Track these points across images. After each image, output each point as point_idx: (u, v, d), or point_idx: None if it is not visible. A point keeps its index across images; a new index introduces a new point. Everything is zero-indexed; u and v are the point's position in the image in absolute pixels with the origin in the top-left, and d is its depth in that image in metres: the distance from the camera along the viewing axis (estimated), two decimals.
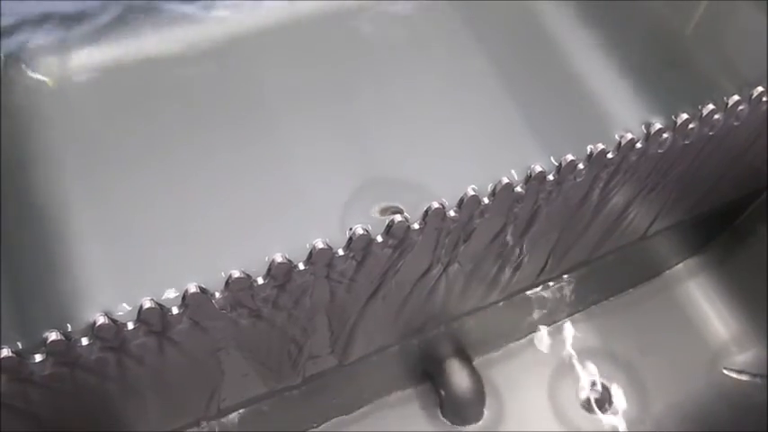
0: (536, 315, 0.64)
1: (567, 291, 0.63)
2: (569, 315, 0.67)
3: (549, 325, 0.66)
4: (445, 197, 0.42)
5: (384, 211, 0.47)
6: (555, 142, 0.46)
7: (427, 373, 0.63)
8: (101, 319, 0.32)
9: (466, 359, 0.62)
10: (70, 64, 0.47)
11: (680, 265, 0.70)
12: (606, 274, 0.64)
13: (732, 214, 0.67)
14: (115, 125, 0.44)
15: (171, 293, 0.36)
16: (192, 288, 0.33)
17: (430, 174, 0.45)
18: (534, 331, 0.66)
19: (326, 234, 0.38)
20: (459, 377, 0.61)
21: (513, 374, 0.65)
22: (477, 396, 0.62)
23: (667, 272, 0.70)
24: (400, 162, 0.47)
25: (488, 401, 0.63)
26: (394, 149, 0.47)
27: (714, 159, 0.48)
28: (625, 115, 0.46)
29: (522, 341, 0.66)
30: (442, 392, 0.61)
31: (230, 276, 0.34)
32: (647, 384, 0.65)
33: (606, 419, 0.64)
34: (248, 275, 0.35)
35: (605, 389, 0.65)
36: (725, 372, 0.66)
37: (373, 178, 0.46)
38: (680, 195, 0.52)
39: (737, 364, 0.66)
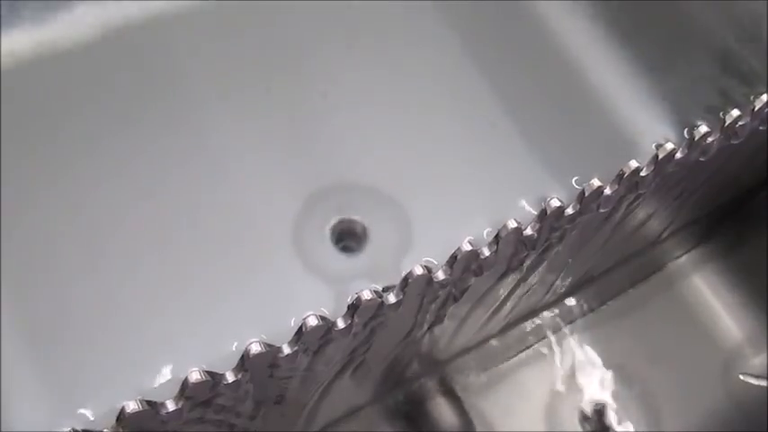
0: (526, 332, 0.55)
1: (562, 306, 0.54)
2: (563, 326, 0.58)
3: (541, 340, 0.57)
4: (414, 209, 0.37)
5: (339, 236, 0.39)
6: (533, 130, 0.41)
7: (402, 413, 0.53)
8: None
9: (452, 395, 0.52)
10: None
11: (683, 257, 0.61)
12: (605, 280, 0.54)
13: (744, 195, 0.58)
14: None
15: None
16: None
17: (389, 178, 0.38)
18: (525, 349, 0.57)
19: (276, 264, 0.34)
20: (445, 419, 0.51)
21: (504, 401, 0.55)
22: None
23: (669, 265, 0.61)
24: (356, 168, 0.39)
25: None
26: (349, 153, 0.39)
27: (753, 150, 0.39)
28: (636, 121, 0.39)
29: (513, 361, 0.57)
30: None
31: (123, 410, 0.23)
32: (656, 400, 0.56)
33: None
34: (151, 402, 0.23)
35: (609, 409, 0.56)
36: (742, 378, 0.58)
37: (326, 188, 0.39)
38: (704, 195, 0.43)
39: (755, 368, 0.57)
